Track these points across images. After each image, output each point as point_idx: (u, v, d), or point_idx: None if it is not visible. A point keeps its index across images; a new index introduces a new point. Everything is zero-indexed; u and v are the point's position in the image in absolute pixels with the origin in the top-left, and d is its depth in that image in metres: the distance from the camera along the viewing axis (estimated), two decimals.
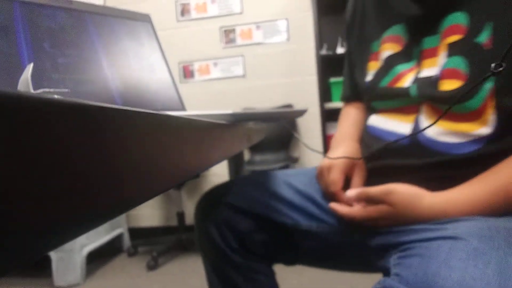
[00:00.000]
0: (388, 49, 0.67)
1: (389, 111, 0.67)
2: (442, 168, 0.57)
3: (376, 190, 0.57)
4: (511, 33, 0.52)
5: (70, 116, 0.14)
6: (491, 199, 0.52)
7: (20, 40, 0.50)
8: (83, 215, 0.15)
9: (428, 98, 0.59)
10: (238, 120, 0.42)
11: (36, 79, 0.47)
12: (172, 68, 2.42)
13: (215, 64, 2.40)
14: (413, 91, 0.61)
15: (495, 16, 0.54)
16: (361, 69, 0.73)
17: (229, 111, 0.41)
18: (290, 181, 0.74)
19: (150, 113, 0.21)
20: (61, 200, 0.14)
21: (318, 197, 0.70)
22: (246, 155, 2.35)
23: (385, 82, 0.67)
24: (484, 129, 0.55)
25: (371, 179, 0.67)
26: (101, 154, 0.16)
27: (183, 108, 0.65)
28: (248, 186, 0.75)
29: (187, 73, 2.44)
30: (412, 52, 0.64)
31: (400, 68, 0.65)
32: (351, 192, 0.61)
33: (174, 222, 2.50)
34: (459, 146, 0.57)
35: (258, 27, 2.33)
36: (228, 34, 2.39)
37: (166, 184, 0.22)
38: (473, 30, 0.55)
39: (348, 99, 0.84)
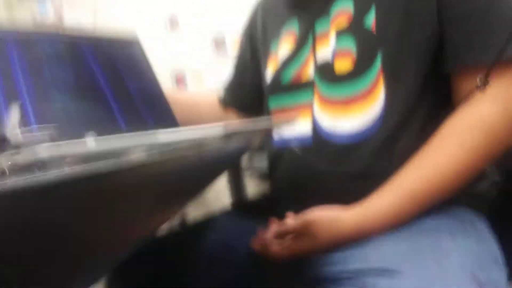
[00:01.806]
0: (284, 47, 0.71)
1: (285, 111, 0.71)
2: (349, 159, 0.60)
3: (293, 224, 0.57)
4: (391, 13, 0.58)
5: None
6: (400, 207, 0.54)
7: (16, 73, 0.51)
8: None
9: (325, 80, 0.63)
10: (228, 135, 0.43)
11: (39, 109, 0.49)
12: (164, 77, 2.44)
13: (207, 73, 2.42)
14: (316, 78, 0.64)
15: (377, 0, 0.59)
16: (264, 70, 0.77)
17: (219, 126, 0.43)
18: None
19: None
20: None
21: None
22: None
23: (287, 79, 0.69)
24: (375, 108, 0.58)
25: (288, 187, 0.69)
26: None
27: (176, 123, 0.67)
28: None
29: (180, 82, 2.47)
30: (306, 38, 0.67)
31: (301, 58, 0.68)
32: (268, 234, 0.60)
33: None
34: (356, 135, 0.59)
35: None
36: (219, 44, 2.41)
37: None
38: (359, 12, 0.60)
39: (225, 102, 0.90)
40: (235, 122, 0.45)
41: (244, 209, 0.82)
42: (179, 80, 2.44)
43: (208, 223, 0.77)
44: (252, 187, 2.24)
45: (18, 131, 0.24)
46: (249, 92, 0.85)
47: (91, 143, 0.34)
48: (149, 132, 0.40)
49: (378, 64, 0.58)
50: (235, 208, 0.86)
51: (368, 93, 0.59)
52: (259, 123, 0.49)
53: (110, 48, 0.67)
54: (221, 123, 0.42)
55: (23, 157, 0.28)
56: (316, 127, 0.64)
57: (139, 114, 0.63)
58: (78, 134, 0.52)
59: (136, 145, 0.37)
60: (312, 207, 0.58)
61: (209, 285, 0.66)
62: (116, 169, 0.20)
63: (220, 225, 0.75)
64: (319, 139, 0.63)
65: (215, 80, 2.40)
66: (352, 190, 0.59)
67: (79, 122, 0.54)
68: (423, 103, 0.58)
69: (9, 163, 0.25)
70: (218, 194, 2.41)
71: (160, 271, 0.68)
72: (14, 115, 0.24)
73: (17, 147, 0.25)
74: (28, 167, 0.29)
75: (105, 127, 0.57)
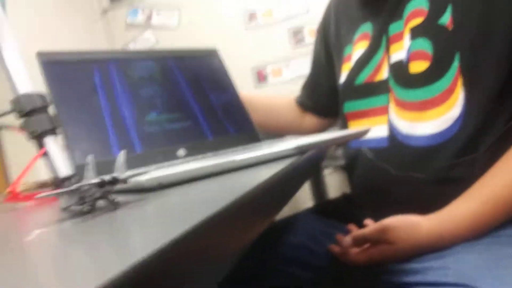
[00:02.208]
0: (358, 49, 0.71)
1: (360, 116, 0.69)
2: (430, 162, 0.58)
3: (371, 231, 0.57)
4: (468, 13, 0.55)
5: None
6: (481, 215, 0.52)
7: (118, 94, 0.60)
8: None
9: (401, 81, 0.62)
10: (302, 152, 0.46)
11: (141, 120, 0.57)
12: (246, 74, 2.51)
13: (287, 66, 2.45)
14: (390, 80, 0.63)
15: None
16: (339, 73, 0.76)
17: (292, 145, 0.46)
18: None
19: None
20: None
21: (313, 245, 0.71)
22: None
23: (361, 79, 0.69)
24: (454, 110, 0.56)
25: (365, 194, 0.68)
26: None
27: (254, 131, 0.71)
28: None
29: (261, 77, 2.52)
30: (380, 41, 0.66)
31: (375, 60, 0.67)
32: (347, 239, 0.61)
33: None
34: (435, 136, 0.57)
35: None
36: (297, 35, 2.42)
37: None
38: (434, 12, 0.58)
39: (302, 105, 0.90)
40: (309, 140, 0.48)
41: (324, 210, 0.85)
42: (260, 75, 2.50)
43: (289, 223, 0.81)
44: (334, 184, 2.24)
45: (124, 172, 0.29)
46: (325, 96, 0.87)
47: (181, 167, 0.39)
48: (230, 153, 0.45)
49: (456, 64, 0.56)
50: (315, 209, 0.89)
51: (446, 95, 0.58)
52: (333, 137, 0.51)
53: (193, 62, 0.73)
54: (293, 144, 0.44)
55: (133, 184, 0.34)
56: (392, 130, 0.64)
57: (222, 124, 0.69)
58: (171, 149, 0.59)
59: (221, 163, 0.41)
60: (389, 211, 0.58)
61: (287, 285, 0.70)
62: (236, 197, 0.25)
63: (301, 227, 0.78)
64: (395, 141, 0.63)
65: (294, 72, 2.42)
66: (430, 196, 0.58)
67: (172, 136, 0.61)
68: (505, 103, 0.55)
69: (118, 199, 0.31)
70: (302, 192, 2.43)
71: (239, 269, 0.73)
72: (121, 159, 0.30)
73: (124, 181, 0.30)
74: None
75: (195, 139, 0.63)
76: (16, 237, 0.28)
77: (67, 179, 0.51)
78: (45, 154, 0.67)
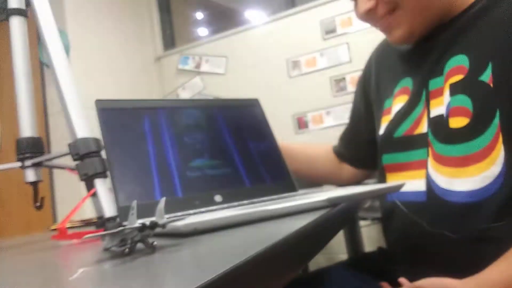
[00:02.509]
0: (398, 102, 0.72)
1: (399, 169, 0.68)
2: (469, 219, 0.57)
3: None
4: (509, 71, 0.55)
5: None
6: None
7: (165, 140, 0.64)
8: None
9: (441, 136, 0.62)
10: (334, 204, 0.47)
11: (184, 165, 0.61)
12: (287, 120, 2.56)
13: (328, 113, 2.47)
14: (430, 135, 0.64)
15: (493, 56, 0.58)
16: (378, 125, 0.77)
17: (323, 197, 0.47)
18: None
19: None
20: None
21: None
22: None
23: (400, 132, 0.69)
24: (494, 168, 0.55)
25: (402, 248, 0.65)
26: None
27: (290, 181, 0.73)
28: None
29: (301, 124, 2.56)
30: (420, 95, 0.67)
31: (415, 114, 0.68)
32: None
33: None
34: (475, 193, 0.56)
35: None
36: (338, 83, 2.46)
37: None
38: (475, 69, 0.59)
39: (340, 156, 0.90)
40: (341, 193, 0.49)
41: (358, 264, 0.83)
42: (301, 122, 2.54)
43: (322, 276, 0.80)
44: (370, 236, 2.17)
45: (163, 217, 0.32)
46: (363, 147, 0.87)
47: (216, 214, 0.41)
48: (265, 202, 0.47)
49: (496, 121, 0.56)
50: (349, 262, 0.87)
51: (486, 152, 0.57)
52: (365, 190, 0.51)
53: (235, 111, 0.77)
54: (325, 196, 0.46)
55: (170, 229, 0.36)
56: (430, 184, 0.63)
57: (259, 172, 0.71)
58: (209, 194, 0.62)
59: (254, 213, 0.43)
60: (425, 269, 0.57)
61: None
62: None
63: (333, 281, 0.77)
64: (433, 196, 0.62)
65: (335, 120, 2.43)
66: (466, 255, 0.57)
67: (211, 182, 0.64)
68: None
69: (155, 243, 0.33)
70: (338, 242, 2.38)
71: None
72: (161, 205, 0.32)
73: (163, 226, 0.33)
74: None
75: (233, 185, 0.66)
76: (62, 275, 0.31)
77: (111, 219, 0.54)
78: (93, 195, 0.72)
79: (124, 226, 0.32)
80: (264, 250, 0.28)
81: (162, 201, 0.32)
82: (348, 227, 1.01)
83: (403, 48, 0.76)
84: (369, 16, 0.68)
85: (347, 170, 0.93)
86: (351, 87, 2.40)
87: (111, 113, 0.64)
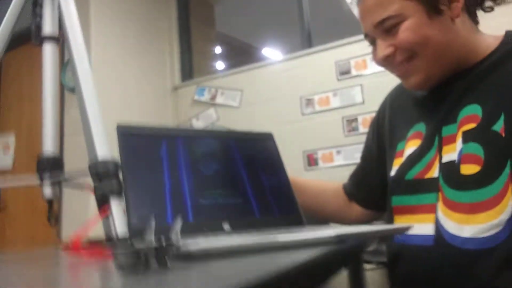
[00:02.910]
0: (411, 146, 0.74)
1: (407, 212, 0.69)
2: (479, 267, 0.58)
3: None
4: None
5: None
6: None
7: (180, 167, 0.66)
8: None
9: (452, 182, 0.63)
10: (342, 241, 0.48)
11: (197, 191, 0.63)
12: (297, 157, 2.58)
13: (338, 152, 2.49)
14: (440, 180, 0.65)
15: (505, 107, 0.60)
16: (389, 167, 0.79)
17: (332, 233, 0.48)
18: None
19: None
20: None
21: None
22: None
23: (411, 175, 0.70)
24: (503, 216, 0.56)
25: None
26: None
27: (299, 216, 0.74)
28: None
29: (311, 161, 2.57)
30: (432, 141, 0.69)
31: (427, 158, 0.69)
32: None
33: None
34: (484, 240, 0.57)
35: None
36: (351, 123, 2.49)
37: None
38: (488, 119, 0.61)
39: (349, 194, 0.92)
40: (349, 229, 0.50)
41: None
42: (311, 158, 2.56)
43: None
44: (374, 281, 2.12)
45: (179, 237, 0.34)
46: (372, 188, 0.88)
47: (227, 240, 0.43)
48: (273, 233, 0.48)
49: (507, 171, 0.58)
50: None
51: (496, 200, 0.58)
52: (373, 230, 0.52)
53: (250, 143, 0.80)
54: (333, 231, 0.47)
55: (179, 251, 0.38)
56: (439, 229, 0.64)
57: (269, 204, 0.73)
58: (219, 222, 0.63)
59: (261, 243, 0.44)
60: None
61: None
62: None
63: None
64: (441, 240, 0.63)
65: (345, 159, 2.45)
66: None
67: (222, 210, 0.66)
68: None
69: (170, 255, 0.35)
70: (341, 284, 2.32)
71: None
72: (177, 225, 0.34)
73: (178, 248, 0.35)
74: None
75: (242, 215, 0.67)
76: None
77: (122, 240, 0.56)
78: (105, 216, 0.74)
79: (138, 244, 0.33)
80: (267, 279, 0.29)
81: (178, 222, 0.34)
82: (353, 268, 1.00)
83: (418, 94, 0.79)
84: (386, 62, 0.70)
85: (356, 209, 0.93)
86: (363, 128, 2.42)
87: (131, 137, 0.67)
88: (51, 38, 0.75)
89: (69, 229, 2.33)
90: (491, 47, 0.68)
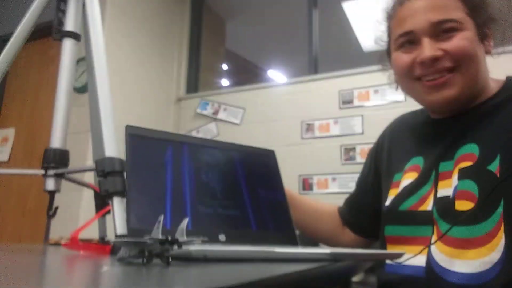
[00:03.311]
0: (407, 178, 0.75)
1: (400, 242, 0.70)
2: None
3: None
4: None
5: None
6: None
7: (184, 173, 0.68)
8: None
9: (446, 217, 0.65)
10: (335, 260, 0.49)
11: (197, 199, 0.63)
12: (293, 180, 2.59)
13: (334, 179, 2.50)
14: (435, 213, 0.66)
15: (502, 148, 0.62)
16: (385, 197, 0.80)
17: (327, 250, 0.49)
18: None
19: None
20: None
21: None
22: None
23: (406, 206, 0.71)
24: (494, 254, 0.58)
25: None
26: None
27: (293, 233, 0.75)
28: None
29: (306, 185, 2.58)
30: (429, 175, 0.71)
31: (422, 191, 0.71)
32: None
33: None
34: (473, 276, 0.59)
35: None
36: (348, 152, 2.51)
37: None
38: (484, 159, 0.63)
39: (343, 218, 0.93)
40: (344, 250, 0.51)
41: None
42: (306, 183, 2.58)
43: None
44: None
45: (184, 236, 0.35)
46: (366, 216, 0.89)
47: (224, 250, 0.44)
48: (267, 249, 0.49)
49: (500, 210, 0.59)
50: None
51: (488, 238, 0.60)
52: (367, 252, 0.54)
53: (253, 158, 0.81)
54: (328, 249, 0.48)
55: (181, 252, 0.39)
56: (430, 261, 0.65)
57: (266, 220, 0.74)
58: (216, 231, 0.64)
59: (255, 256, 0.46)
60: None
61: None
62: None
63: None
64: (432, 273, 0.64)
65: (340, 187, 2.46)
66: None
67: (220, 220, 0.67)
68: None
69: (172, 254, 0.36)
70: None
71: None
72: (183, 225, 0.35)
73: (180, 245, 0.36)
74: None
75: (239, 227, 0.68)
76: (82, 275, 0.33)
77: (126, 235, 0.56)
78: (104, 215, 0.75)
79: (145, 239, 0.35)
80: (259, 279, 0.30)
81: (185, 221, 0.35)
82: None
83: (419, 128, 0.81)
84: (431, 63, 0.68)
85: (348, 234, 0.94)
86: (360, 158, 2.45)
87: (138, 138, 0.68)
88: (72, 34, 0.77)
89: (57, 229, 2.31)
90: (493, 91, 0.71)
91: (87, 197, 2.23)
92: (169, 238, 0.33)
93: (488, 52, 0.71)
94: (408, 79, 0.73)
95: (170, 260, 0.35)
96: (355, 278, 2.26)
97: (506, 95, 0.70)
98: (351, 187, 0.99)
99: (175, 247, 0.36)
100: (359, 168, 0.99)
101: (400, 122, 0.89)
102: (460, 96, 0.69)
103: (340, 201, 1.01)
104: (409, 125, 0.85)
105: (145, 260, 0.34)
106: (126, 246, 0.35)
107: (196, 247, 0.40)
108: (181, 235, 0.35)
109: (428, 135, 0.78)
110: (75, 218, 2.21)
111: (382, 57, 0.84)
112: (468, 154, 0.67)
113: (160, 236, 0.33)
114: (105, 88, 0.67)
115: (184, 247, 0.39)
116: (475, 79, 0.70)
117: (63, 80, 0.74)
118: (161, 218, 0.35)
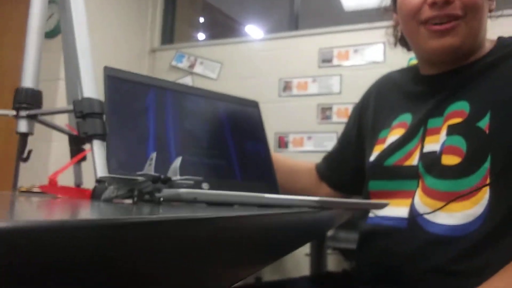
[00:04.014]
0: (394, 134, 0.76)
1: (384, 196, 0.73)
2: (444, 251, 0.62)
3: None
4: (506, 121, 0.62)
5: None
6: None
7: (167, 120, 0.65)
8: None
9: (432, 171, 0.66)
10: (322, 207, 0.49)
11: (182, 146, 0.61)
12: (268, 137, 2.59)
13: (309, 138, 2.52)
14: (421, 168, 0.68)
15: (492, 106, 0.64)
16: (369, 153, 0.81)
17: (315, 198, 0.49)
18: None
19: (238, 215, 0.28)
20: None
21: None
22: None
23: (391, 161, 0.73)
24: (477, 208, 0.60)
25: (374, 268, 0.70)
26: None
27: (276, 186, 0.75)
28: None
29: (282, 143, 2.59)
30: (417, 131, 0.72)
31: (409, 147, 0.72)
32: None
33: None
34: (455, 228, 0.61)
35: None
36: (325, 111, 2.52)
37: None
38: (474, 115, 0.65)
39: (321, 174, 0.95)
40: (331, 198, 0.51)
41: (322, 279, 0.85)
42: (282, 141, 2.58)
43: (285, 285, 0.81)
44: (332, 264, 2.20)
45: (178, 176, 0.33)
46: (346, 171, 0.90)
47: (215, 193, 0.43)
48: (257, 194, 0.48)
49: (486, 165, 0.61)
50: (312, 278, 0.89)
51: (473, 192, 0.61)
52: (352, 201, 0.54)
53: (237, 108, 0.79)
54: (317, 197, 0.48)
55: (171, 193, 0.37)
56: (413, 212, 0.66)
57: (250, 170, 0.73)
58: (201, 180, 0.63)
59: (242, 201, 0.45)
60: None
61: None
62: (217, 216, 0.27)
63: None
64: (414, 224, 0.65)
65: (315, 146, 2.49)
66: (437, 287, 0.59)
67: (206, 169, 0.65)
68: None
69: (162, 195, 0.34)
70: (297, 265, 2.39)
71: None
72: (176, 163, 0.33)
73: (171, 186, 0.34)
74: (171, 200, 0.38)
75: (225, 177, 0.67)
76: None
77: (100, 182, 0.54)
78: (80, 161, 0.72)
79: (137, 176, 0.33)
80: (242, 216, 0.29)
81: (178, 160, 0.34)
82: (316, 244, 1.03)
83: (408, 85, 0.80)
84: (443, 5, 0.67)
85: (325, 189, 0.95)
86: (336, 118, 2.46)
87: (118, 81, 0.64)
88: None
89: (25, 178, 2.25)
90: (486, 50, 0.71)
91: (57, 148, 2.16)
92: (162, 176, 0.32)
93: (491, 11, 0.70)
94: (413, 22, 0.72)
95: (162, 200, 0.33)
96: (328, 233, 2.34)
97: (499, 54, 0.70)
98: (326, 146, 0.99)
99: (166, 186, 0.34)
100: (335, 127, 0.99)
101: (387, 80, 0.88)
102: (461, 46, 0.69)
103: (315, 159, 1.01)
104: (396, 82, 0.84)
105: (135, 199, 0.32)
106: (115, 184, 0.33)
107: (185, 189, 0.39)
108: (174, 174, 0.34)
109: (417, 92, 0.77)
110: (44, 169, 2.15)
111: (387, 9, 0.82)
112: (458, 111, 0.67)
113: (153, 173, 0.32)
114: (82, 26, 0.62)
115: (173, 191, 0.38)
116: (477, 33, 0.70)
117: (34, 18, 0.68)
118: (154, 155, 0.33)
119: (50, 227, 0.13)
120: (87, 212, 0.26)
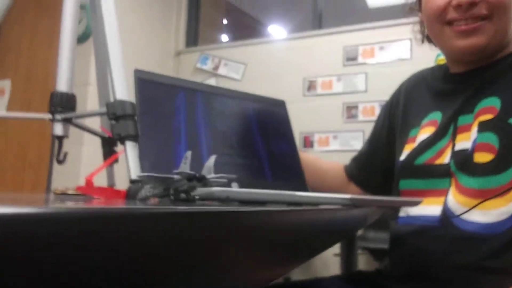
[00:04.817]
0: (424, 133, 0.74)
1: (415, 195, 0.71)
2: (477, 248, 0.60)
3: None
4: None
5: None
6: None
7: (199, 121, 0.66)
8: None
9: (465, 169, 0.65)
10: (354, 205, 0.49)
11: (213, 147, 0.62)
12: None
13: (335, 137, 2.50)
14: (452, 166, 0.66)
15: None
16: (399, 152, 0.79)
17: (347, 195, 0.49)
18: None
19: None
20: None
21: None
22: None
23: (422, 160, 0.71)
24: (511, 205, 0.58)
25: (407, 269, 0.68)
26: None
27: (304, 184, 0.75)
28: None
29: (307, 143, 2.58)
30: (447, 129, 0.71)
31: (439, 145, 0.71)
32: None
33: None
34: (490, 226, 0.59)
35: (381, 105, 2.39)
36: (350, 110, 2.49)
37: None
38: (505, 111, 0.63)
39: (349, 174, 0.92)
40: (364, 196, 0.51)
41: (353, 278, 0.84)
42: (307, 141, 2.57)
43: (314, 284, 0.81)
44: (362, 264, 2.17)
45: (212, 174, 0.34)
46: (376, 171, 0.89)
47: (247, 191, 0.43)
48: (289, 192, 0.48)
49: None
50: (344, 276, 0.88)
51: (506, 190, 0.59)
52: (385, 199, 0.53)
53: (265, 108, 0.80)
54: (349, 195, 0.47)
55: (205, 191, 0.38)
56: (446, 210, 0.65)
57: (280, 171, 0.73)
58: (234, 179, 0.64)
59: (273, 199, 0.45)
60: None
61: None
62: (249, 211, 0.27)
63: None
64: (447, 222, 0.64)
65: (341, 145, 2.46)
66: (471, 284, 0.58)
67: (237, 169, 0.66)
68: None
69: (197, 193, 0.35)
70: (326, 265, 2.37)
71: None
72: (211, 162, 0.34)
73: (205, 184, 0.35)
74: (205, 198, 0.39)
75: (255, 177, 0.67)
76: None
77: (134, 182, 0.56)
78: (113, 162, 0.74)
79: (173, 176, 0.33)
80: (275, 211, 0.29)
81: (212, 158, 0.34)
82: (346, 243, 1.02)
83: (437, 83, 0.79)
84: (468, 7, 0.66)
85: (353, 189, 0.94)
86: (362, 116, 2.43)
87: (148, 84, 0.66)
88: None
89: (59, 180, 2.32)
90: None
91: (88, 151, 2.22)
92: (197, 174, 0.32)
93: None
94: (438, 23, 0.70)
95: (197, 197, 0.34)
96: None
97: None
98: (352, 145, 0.98)
99: (201, 185, 0.35)
100: (361, 126, 0.98)
101: (417, 78, 0.86)
102: (488, 45, 0.68)
103: (341, 159, 1.00)
104: (426, 80, 0.83)
105: (172, 197, 0.33)
106: (151, 183, 0.33)
107: (218, 188, 0.39)
108: (208, 173, 0.34)
109: (446, 90, 0.76)
110: (75, 172, 2.21)
111: (412, 7, 0.81)
112: (489, 107, 0.66)
113: (189, 171, 0.32)
114: (114, 29, 0.63)
115: (205, 189, 0.38)
116: (504, 31, 0.68)
117: (67, 22, 0.71)
118: (189, 154, 0.33)
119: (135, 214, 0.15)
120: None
